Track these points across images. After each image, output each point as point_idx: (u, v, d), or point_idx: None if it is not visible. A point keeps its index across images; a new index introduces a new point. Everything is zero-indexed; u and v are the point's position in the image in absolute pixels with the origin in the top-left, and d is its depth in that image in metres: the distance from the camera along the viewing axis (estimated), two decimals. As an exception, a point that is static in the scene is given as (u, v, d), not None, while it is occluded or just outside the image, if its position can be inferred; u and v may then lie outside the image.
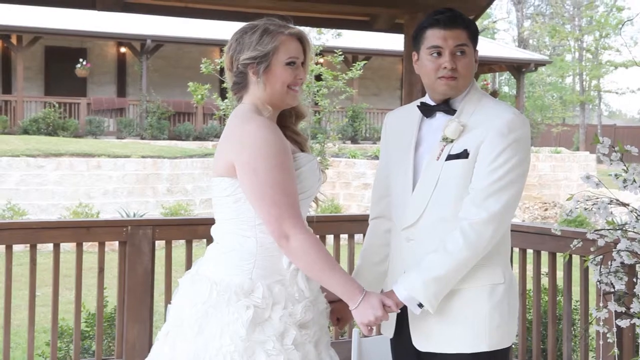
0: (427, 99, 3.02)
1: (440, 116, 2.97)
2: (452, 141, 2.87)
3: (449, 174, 2.86)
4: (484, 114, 2.89)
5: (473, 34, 2.95)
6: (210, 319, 2.76)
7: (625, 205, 2.99)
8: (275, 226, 2.73)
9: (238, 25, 3.00)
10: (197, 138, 24.72)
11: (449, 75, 2.88)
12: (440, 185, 2.87)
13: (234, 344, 2.70)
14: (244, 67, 2.85)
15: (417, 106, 3.04)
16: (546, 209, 25.50)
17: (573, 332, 5.39)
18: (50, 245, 4.94)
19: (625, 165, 2.91)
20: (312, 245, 2.74)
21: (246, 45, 2.84)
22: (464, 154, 2.84)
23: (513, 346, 5.53)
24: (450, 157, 2.87)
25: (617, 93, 46.13)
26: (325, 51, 19.12)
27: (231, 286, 2.76)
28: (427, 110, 3.00)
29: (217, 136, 23.97)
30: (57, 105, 23.65)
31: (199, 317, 2.77)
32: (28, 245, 4.93)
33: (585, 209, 3.03)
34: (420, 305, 2.78)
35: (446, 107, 2.95)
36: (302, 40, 2.91)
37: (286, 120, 2.99)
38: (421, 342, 2.92)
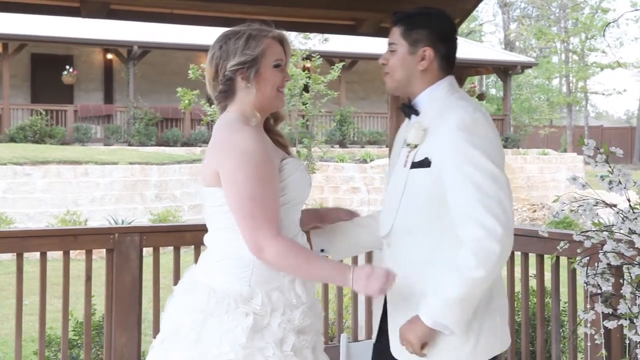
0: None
1: (413, 118, 2.93)
2: (415, 146, 2.82)
3: (414, 183, 2.81)
4: (443, 114, 2.81)
5: (407, 30, 2.90)
6: (208, 326, 2.74)
7: (611, 206, 2.99)
8: (251, 238, 2.74)
9: (223, 30, 2.99)
10: (185, 144, 24.68)
11: (384, 72, 2.94)
12: (407, 195, 2.82)
13: (234, 351, 2.69)
14: (232, 73, 2.83)
15: (399, 107, 3.05)
16: (534, 211, 25.56)
17: (562, 334, 5.40)
18: (39, 254, 4.91)
19: (610, 167, 2.91)
20: (287, 252, 2.73)
21: (232, 51, 2.83)
22: (426, 163, 2.78)
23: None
24: (414, 165, 2.81)
25: (603, 94, 46.38)
26: (312, 56, 19.13)
27: (230, 293, 2.75)
28: (405, 113, 2.98)
29: (205, 142, 23.89)
30: (43, 113, 23.57)
31: (197, 325, 2.76)
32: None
33: (572, 210, 3.03)
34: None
35: (410, 107, 2.93)
36: (283, 42, 2.92)
37: (267, 124, 2.98)
38: (398, 350, 2.89)
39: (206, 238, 2.94)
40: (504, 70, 30.47)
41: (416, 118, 2.89)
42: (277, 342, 2.73)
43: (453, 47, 2.96)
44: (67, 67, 25.07)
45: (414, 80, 2.90)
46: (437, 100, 2.87)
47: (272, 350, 2.71)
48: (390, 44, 2.94)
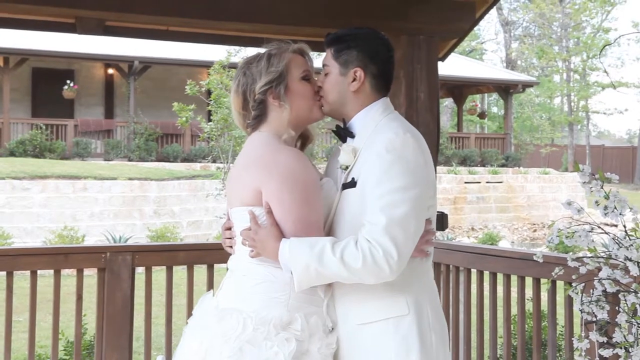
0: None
1: (348, 141, 2.90)
2: (346, 168, 2.79)
3: (344, 204, 2.77)
4: (374, 136, 2.76)
5: (338, 51, 2.87)
6: (246, 355, 2.61)
7: (606, 232, 2.95)
8: None
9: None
10: (185, 159, 24.69)
11: (319, 96, 2.91)
12: (336, 216, 2.78)
13: None
14: (262, 94, 2.81)
15: (332, 130, 2.99)
16: (535, 230, 25.50)
17: (559, 358, 5.33)
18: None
19: (606, 193, 2.86)
20: None
21: (257, 74, 2.82)
22: (353, 183, 2.74)
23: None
24: (344, 187, 2.78)
25: (605, 113, 46.40)
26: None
27: (268, 319, 2.65)
28: (339, 135, 2.94)
29: (205, 157, 23.93)
30: (44, 127, 23.60)
31: (234, 354, 2.62)
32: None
33: (567, 236, 2.98)
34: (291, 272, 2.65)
35: (345, 130, 2.90)
36: (305, 54, 2.92)
37: (294, 144, 2.94)
38: None
39: (235, 261, 2.86)
40: (505, 89, 30.52)
41: (351, 141, 2.86)
42: None
43: (386, 66, 2.91)
44: (68, 81, 25.13)
45: (347, 101, 2.87)
46: (372, 122, 2.83)
47: None
48: (323, 66, 2.91)
